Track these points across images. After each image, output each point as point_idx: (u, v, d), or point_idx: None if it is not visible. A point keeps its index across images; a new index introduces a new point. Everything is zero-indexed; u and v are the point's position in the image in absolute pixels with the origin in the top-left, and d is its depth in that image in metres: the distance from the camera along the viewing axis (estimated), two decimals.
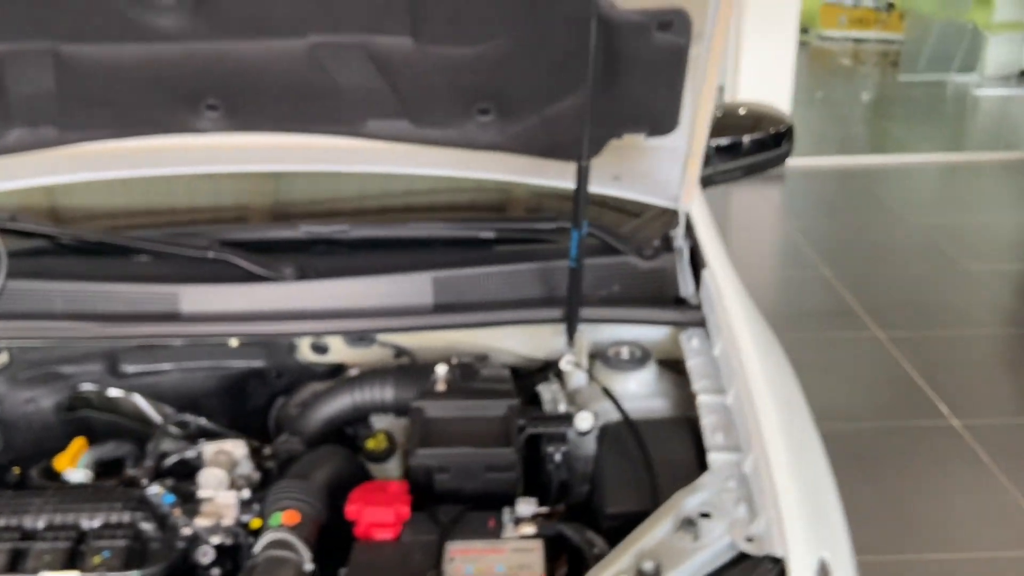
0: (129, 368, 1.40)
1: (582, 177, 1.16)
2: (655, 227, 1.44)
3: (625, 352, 1.32)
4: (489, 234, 1.40)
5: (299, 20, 1.11)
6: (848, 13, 10.85)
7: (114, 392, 1.41)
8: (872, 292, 3.77)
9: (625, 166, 1.33)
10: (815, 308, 3.69)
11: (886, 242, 4.41)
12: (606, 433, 1.22)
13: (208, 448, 1.18)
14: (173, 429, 1.29)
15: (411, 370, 1.33)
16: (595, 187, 1.37)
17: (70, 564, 1.04)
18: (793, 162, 5.64)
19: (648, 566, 0.95)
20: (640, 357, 1.32)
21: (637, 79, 1.17)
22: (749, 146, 1.79)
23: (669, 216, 1.41)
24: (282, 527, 1.04)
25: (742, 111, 1.87)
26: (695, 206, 1.49)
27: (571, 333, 1.28)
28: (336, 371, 1.42)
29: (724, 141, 1.75)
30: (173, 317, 1.31)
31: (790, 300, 3.84)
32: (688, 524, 1.00)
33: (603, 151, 1.29)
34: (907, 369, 3.14)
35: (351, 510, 1.10)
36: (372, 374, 1.33)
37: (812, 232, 4.54)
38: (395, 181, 1.49)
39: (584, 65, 1.14)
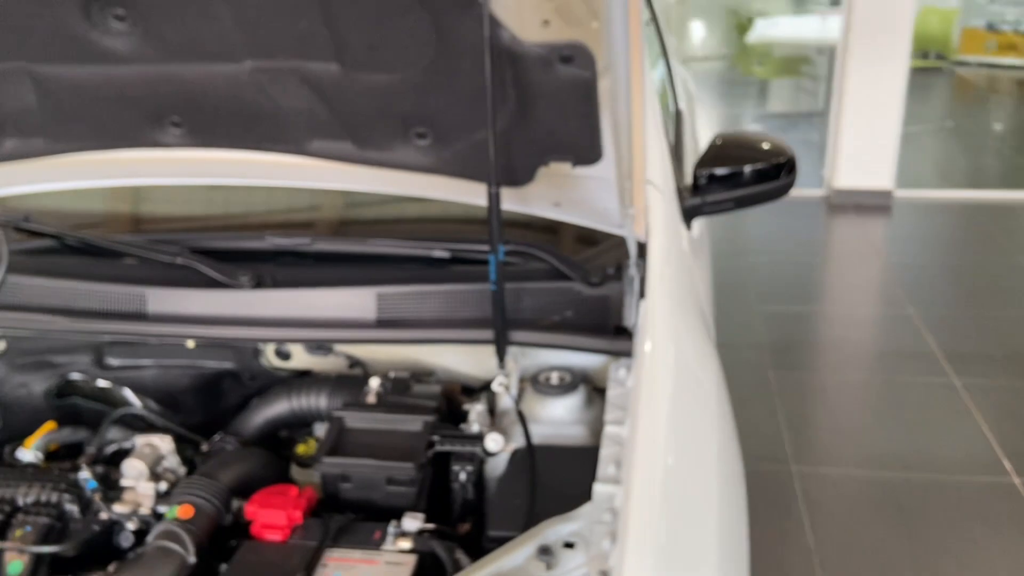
0: (113, 361, 1.51)
1: (493, 202, 1.18)
2: (612, 256, 1.43)
3: (555, 378, 1.32)
4: (442, 254, 1.44)
5: (234, 46, 1.18)
6: (999, 39, 10.24)
7: (102, 383, 1.53)
8: (957, 335, 3.54)
9: (564, 193, 1.34)
10: (893, 349, 3.50)
11: (987, 283, 4.12)
12: (514, 457, 1.23)
13: (138, 440, 1.27)
14: (155, 418, 1.39)
15: (348, 380, 1.38)
16: (538, 212, 1.39)
17: (1, 535, 1.14)
18: (906, 194, 5.36)
19: None
20: (569, 383, 1.31)
21: (551, 109, 1.18)
22: (746, 177, 1.74)
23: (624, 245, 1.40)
24: (175, 520, 1.11)
25: (742, 141, 1.83)
26: (658, 236, 1.47)
27: (500, 355, 1.29)
28: (300, 377, 1.49)
29: (720, 171, 1.71)
30: (140, 316, 1.41)
31: (869, 339, 3.66)
32: (545, 552, 1.00)
33: (540, 178, 1.31)
34: (977, 420, 2.93)
35: (249, 510, 1.16)
36: (310, 381, 1.40)
37: (909, 268, 4.31)
38: (360, 197, 1.54)
39: (501, 94, 1.17)
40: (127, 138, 1.37)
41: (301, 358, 1.48)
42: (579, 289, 1.38)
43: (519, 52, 1.10)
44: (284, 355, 1.49)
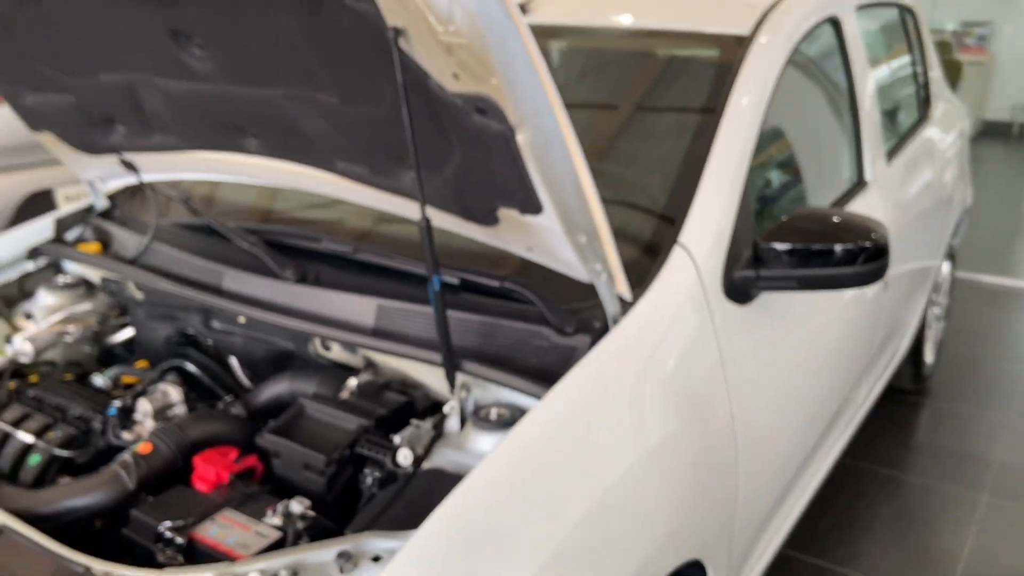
0: (215, 324, 1.83)
1: (424, 234, 1.27)
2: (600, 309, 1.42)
3: (494, 413, 1.36)
4: (451, 279, 1.53)
5: (268, 73, 1.40)
6: None
7: (209, 340, 1.86)
8: None
9: (535, 239, 1.36)
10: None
11: None
12: (423, 474, 1.29)
13: (159, 387, 1.55)
14: (197, 373, 1.69)
15: (337, 376, 1.54)
16: (515, 252, 1.43)
17: (42, 433, 1.49)
18: None
19: (284, 572, 1.07)
20: (506, 421, 1.34)
21: (483, 156, 1.23)
22: (815, 256, 1.58)
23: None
24: (134, 453, 1.37)
25: (826, 218, 1.64)
26: (654, 300, 1.44)
27: (450, 380, 1.37)
28: (337, 370, 1.67)
29: (784, 245, 1.58)
30: (217, 290, 1.71)
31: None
32: (344, 557, 1.08)
33: (513, 222, 1.36)
34: None
35: (196, 461, 1.38)
36: (308, 369, 1.58)
37: None
38: (391, 215, 1.68)
39: (444, 138, 1.26)
40: (223, 142, 1.67)
41: (337, 352, 1.67)
42: (549, 335, 1.40)
43: (445, 100, 1.19)
44: (327, 347, 1.69)
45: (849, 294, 2.06)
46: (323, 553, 1.10)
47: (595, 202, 1.25)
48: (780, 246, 1.58)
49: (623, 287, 1.38)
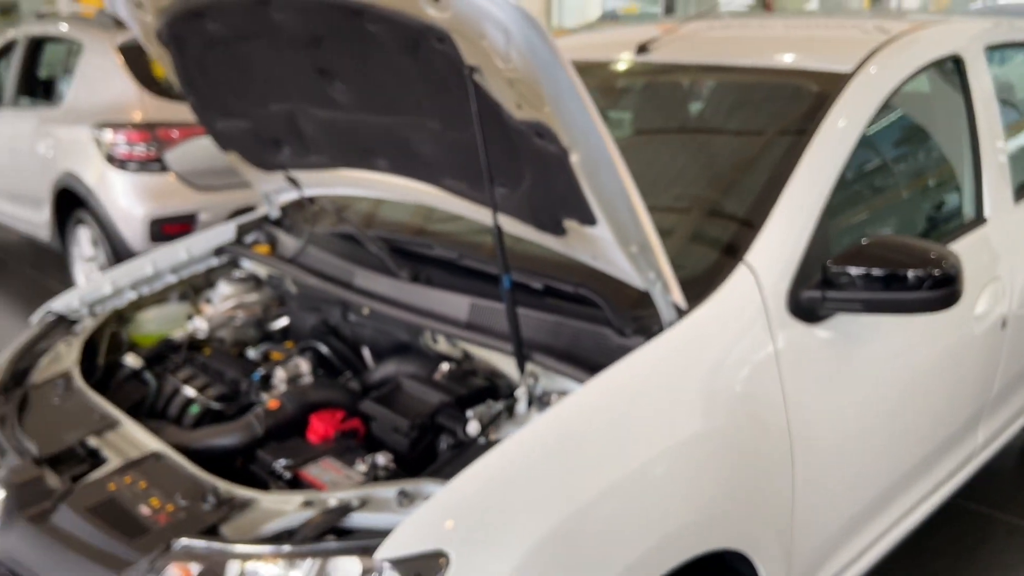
0: (351, 317, 2.15)
1: (497, 237, 1.50)
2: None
3: (554, 398, 1.56)
4: (536, 284, 1.75)
5: (390, 103, 1.69)
6: None
7: (346, 330, 2.18)
8: None
9: (596, 249, 1.54)
10: None
11: None
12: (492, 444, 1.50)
13: (293, 360, 1.87)
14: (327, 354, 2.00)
15: (434, 362, 1.80)
16: (584, 261, 1.63)
17: (203, 390, 1.84)
18: None
19: (355, 501, 1.33)
20: None
21: (547, 175, 1.44)
22: (881, 280, 1.64)
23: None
24: (265, 407, 1.68)
25: (898, 244, 1.68)
26: (707, 313, 1.58)
27: (520, 368, 1.59)
28: (439, 358, 1.92)
29: (854, 269, 1.65)
30: (349, 286, 2.03)
31: None
32: (405, 495, 1.33)
33: (580, 233, 1.56)
34: None
35: (312, 418, 1.67)
36: (412, 356, 1.84)
37: None
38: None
39: (518, 160, 1.49)
40: (360, 161, 1.99)
41: (443, 343, 1.92)
42: (610, 335, 1.58)
43: (514, 126, 1.42)
44: (435, 340, 1.95)
45: (949, 328, 2.07)
46: (388, 490, 1.35)
47: (644, 216, 1.43)
48: (847, 269, 1.67)
49: (677, 296, 1.54)
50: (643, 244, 1.47)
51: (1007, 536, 2.71)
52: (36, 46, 5.31)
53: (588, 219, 1.48)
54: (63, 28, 5.00)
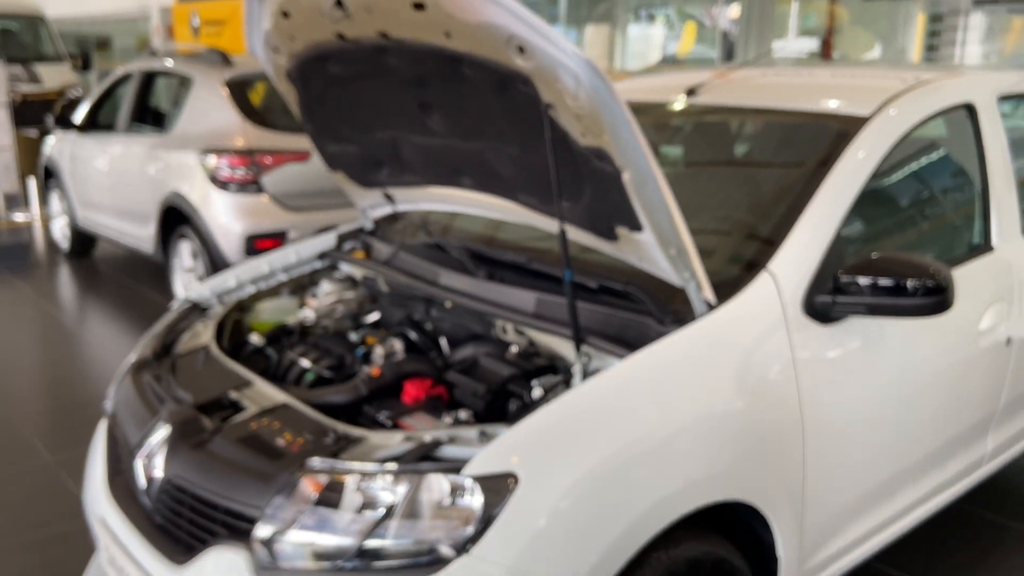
0: (433, 312, 2.53)
1: (562, 240, 1.87)
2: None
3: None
4: (591, 284, 2.11)
5: (478, 132, 2.09)
6: None
7: (428, 324, 2.56)
8: None
9: (642, 252, 1.90)
10: None
11: None
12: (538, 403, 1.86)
13: (389, 341, 2.26)
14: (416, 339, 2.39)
15: (505, 346, 2.16)
16: (632, 262, 1.99)
17: (316, 362, 2.24)
18: None
19: (444, 436, 1.70)
20: None
21: (604, 190, 1.81)
22: (883, 288, 1.96)
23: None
24: (369, 375, 2.07)
25: (899, 259, 1.99)
26: (734, 310, 1.92)
27: (576, 348, 1.94)
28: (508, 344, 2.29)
29: (861, 279, 1.97)
30: (435, 284, 2.41)
31: None
32: (483, 433, 1.69)
33: (628, 240, 1.93)
34: None
35: (406, 384, 2.05)
36: (487, 342, 2.21)
37: None
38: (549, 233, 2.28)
39: (576, 173, 1.86)
40: (448, 180, 2.39)
41: (511, 333, 2.29)
42: (651, 324, 1.93)
43: (579, 150, 1.80)
44: (504, 330, 2.32)
45: (954, 338, 2.37)
46: (471, 432, 1.72)
47: (681, 225, 1.79)
48: (856, 279, 2.00)
49: (708, 293, 1.89)
50: (680, 248, 1.83)
51: (1018, 543, 2.95)
52: (149, 79, 5.93)
53: (636, 226, 1.84)
54: (176, 64, 5.59)
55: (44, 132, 9.84)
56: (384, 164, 2.56)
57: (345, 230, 2.94)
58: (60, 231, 7.09)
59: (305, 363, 2.23)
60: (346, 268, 2.80)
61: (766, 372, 1.93)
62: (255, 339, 2.41)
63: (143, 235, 5.53)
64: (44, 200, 7.72)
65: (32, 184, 8.24)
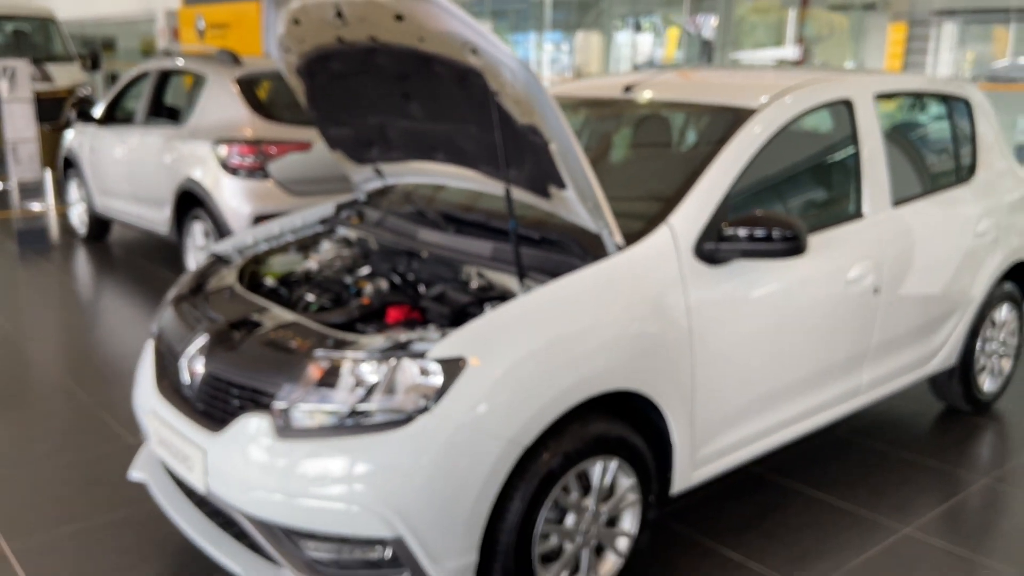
0: (414, 264, 3.13)
1: (508, 198, 2.48)
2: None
3: None
4: (533, 235, 2.71)
5: (448, 116, 2.70)
6: None
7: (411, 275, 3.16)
8: None
9: (568, 207, 2.51)
10: None
11: None
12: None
13: (377, 280, 2.86)
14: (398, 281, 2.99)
15: (464, 283, 2.76)
16: (563, 215, 2.60)
17: (318, 295, 2.84)
18: None
19: (403, 337, 2.30)
20: None
21: (538, 158, 2.42)
22: (753, 237, 2.57)
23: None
24: (359, 303, 2.67)
25: (768, 215, 2.60)
26: (643, 251, 2.53)
27: (520, 280, 2.55)
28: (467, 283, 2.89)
29: (739, 231, 2.58)
30: (415, 239, 3.02)
31: None
32: (444, 334, 2.30)
33: (559, 197, 2.54)
34: None
35: (388, 309, 2.65)
36: (451, 280, 2.82)
37: None
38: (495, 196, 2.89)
39: (518, 146, 2.47)
40: (425, 155, 3.01)
41: (473, 277, 2.88)
42: (575, 261, 2.53)
43: (519, 128, 2.41)
44: (468, 276, 2.91)
45: (823, 284, 2.98)
46: (435, 333, 2.32)
47: (596, 184, 2.40)
48: (737, 230, 2.61)
49: (618, 238, 2.50)
50: (595, 202, 2.44)
51: (896, 464, 3.57)
52: (164, 77, 6.54)
53: (561, 185, 2.46)
54: (191, 64, 6.20)
55: (57, 128, 10.44)
56: (374, 144, 3.17)
57: (342, 201, 3.55)
58: (78, 217, 7.68)
59: (310, 297, 2.84)
60: (343, 231, 3.40)
61: (661, 298, 2.54)
62: (269, 281, 3.02)
63: (159, 218, 6.12)
64: (59, 190, 8.30)
65: (48, 175, 8.81)
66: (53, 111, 10.77)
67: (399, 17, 2.38)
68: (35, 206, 9.01)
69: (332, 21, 2.61)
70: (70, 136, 7.47)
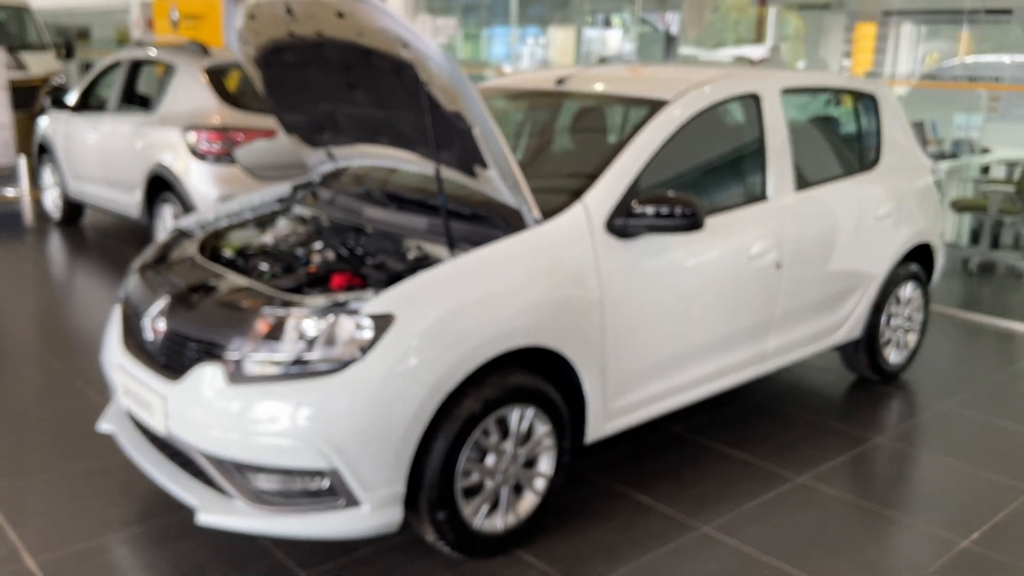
0: (362, 240, 3.44)
1: (437, 176, 2.80)
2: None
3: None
4: (463, 210, 3.03)
5: (389, 103, 3.01)
6: None
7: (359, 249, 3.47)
8: None
9: (492, 185, 2.83)
10: None
11: None
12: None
13: (326, 253, 3.17)
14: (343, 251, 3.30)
15: (403, 254, 3.08)
16: (487, 192, 2.93)
17: (271, 264, 3.15)
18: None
19: (342, 297, 2.62)
20: None
21: (464, 141, 2.74)
22: (656, 213, 2.91)
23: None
24: (307, 271, 2.99)
25: (672, 194, 2.95)
26: (554, 223, 2.86)
27: (449, 249, 2.87)
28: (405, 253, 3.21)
29: (646, 208, 2.92)
30: (359, 215, 3.33)
31: None
32: (376, 294, 2.62)
33: (485, 177, 2.86)
34: None
35: (333, 276, 2.96)
36: (391, 252, 3.14)
37: None
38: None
39: (447, 130, 2.80)
40: (370, 139, 3.32)
41: (412, 248, 3.20)
42: (498, 232, 2.86)
43: (447, 114, 2.73)
44: (407, 247, 3.22)
45: (727, 259, 3.33)
46: (369, 293, 2.64)
47: (515, 164, 2.72)
48: (645, 208, 2.95)
49: (536, 212, 2.83)
50: (514, 180, 2.77)
51: (805, 427, 3.94)
52: (136, 66, 6.79)
53: (484, 165, 2.78)
54: (161, 53, 6.46)
55: (31, 115, 10.62)
56: (325, 128, 3.48)
57: (298, 182, 3.86)
58: (52, 202, 7.91)
59: (264, 266, 3.14)
60: (298, 210, 3.71)
61: (575, 267, 2.87)
62: (228, 252, 3.32)
63: (130, 201, 6.38)
64: (32, 176, 8.51)
65: (22, 161, 9.01)
66: (27, 99, 10.93)
67: (340, 15, 2.69)
68: (9, 192, 9.22)
69: (283, 17, 2.92)
70: (44, 123, 7.69)
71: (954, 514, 3.20)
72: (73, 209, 7.68)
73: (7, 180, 8.30)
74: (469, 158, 2.85)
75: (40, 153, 7.84)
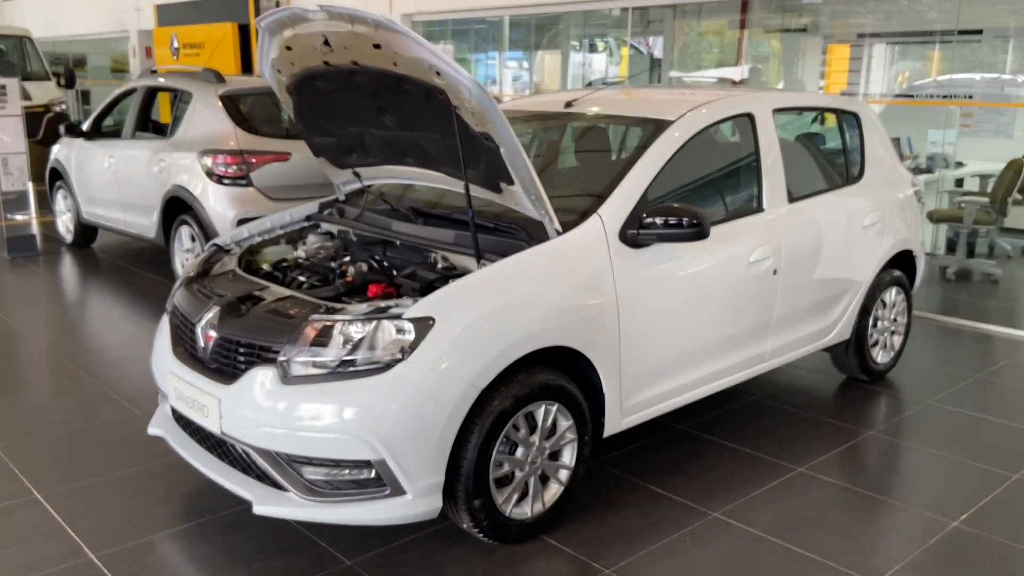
0: (388, 253, 3.69)
1: (467, 192, 3.06)
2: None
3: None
4: (489, 224, 3.29)
5: (416, 126, 3.27)
6: None
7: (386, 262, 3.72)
8: None
9: (516, 200, 3.10)
10: None
11: None
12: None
13: (359, 264, 3.42)
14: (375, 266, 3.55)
15: (432, 264, 3.33)
16: (512, 207, 3.19)
17: (308, 277, 3.39)
18: None
19: (383, 304, 2.87)
20: None
21: (491, 160, 3.01)
22: (667, 224, 3.18)
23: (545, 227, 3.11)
24: (344, 280, 3.23)
25: (680, 207, 3.22)
26: (572, 234, 3.13)
27: (477, 261, 3.12)
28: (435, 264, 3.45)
29: (657, 219, 3.20)
30: (390, 229, 3.58)
31: None
32: (416, 300, 2.87)
33: (510, 193, 3.12)
34: None
35: (370, 287, 3.21)
36: (420, 263, 3.39)
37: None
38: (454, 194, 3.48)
39: (474, 150, 3.06)
40: (398, 160, 3.58)
41: (439, 260, 3.45)
42: (523, 244, 3.12)
43: (476, 135, 2.99)
44: (435, 260, 3.48)
45: (729, 265, 3.60)
46: (409, 300, 2.89)
47: (537, 180, 2.99)
48: (655, 218, 3.22)
49: (557, 225, 3.10)
50: (538, 195, 3.03)
51: (800, 421, 4.20)
52: (151, 94, 7.04)
53: (510, 181, 3.05)
54: (178, 81, 6.71)
55: (37, 142, 10.83)
56: (353, 151, 3.74)
57: (325, 200, 4.11)
58: (64, 226, 8.12)
59: (302, 277, 3.39)
60: (326, 226, 3.96)
61: (592, 274, 3.14)
62: (265, 266, 3.57)
63: (147, 223, 6.61)
64: (41, 201, 8.71)
65: (30, 186, 9.22)
66: (32, 126, 11.15)
67: (377, 46, 2.96)
68: (19, 216, 9.42)
69: (320, 48, 3.18)
70: (56, 149, 7.91)
71: (944, 498, 3.46)
72: (86, 232, 7.89)
73: (18, 205, 8.50)
74: (495, 175, 3.11)
75: (52, 179, 8.05)
